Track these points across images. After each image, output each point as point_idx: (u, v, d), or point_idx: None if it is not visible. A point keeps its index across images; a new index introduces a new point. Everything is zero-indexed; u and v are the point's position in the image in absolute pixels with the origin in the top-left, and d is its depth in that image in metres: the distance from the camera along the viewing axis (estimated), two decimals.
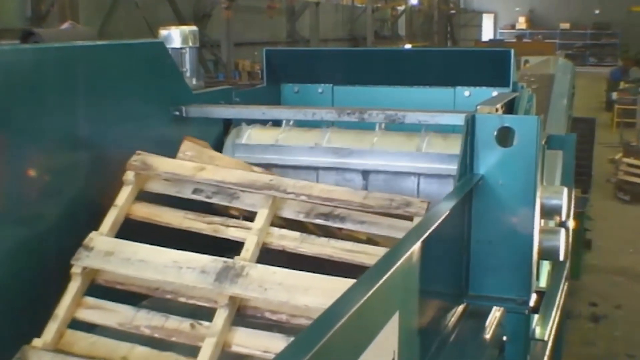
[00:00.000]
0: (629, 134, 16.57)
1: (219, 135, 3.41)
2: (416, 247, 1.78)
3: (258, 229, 2.47)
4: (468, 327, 2.48)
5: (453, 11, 46.51)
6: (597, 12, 46.91)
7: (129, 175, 2.61)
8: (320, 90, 4.00)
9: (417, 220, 2.46)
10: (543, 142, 3.31)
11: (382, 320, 1.54)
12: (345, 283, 2.01)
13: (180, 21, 19.76)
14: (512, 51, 3.62)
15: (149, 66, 2.99)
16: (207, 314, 2.27)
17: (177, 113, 3.10)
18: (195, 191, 2.65)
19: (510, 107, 3.16)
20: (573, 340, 7.18)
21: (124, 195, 2.56)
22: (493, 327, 2.65)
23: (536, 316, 3.66)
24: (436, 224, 1.98)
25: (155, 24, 13.98)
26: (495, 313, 2.74)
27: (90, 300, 2.36)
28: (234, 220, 2.59)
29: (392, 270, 1.57)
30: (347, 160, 3.14)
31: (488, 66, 3.74)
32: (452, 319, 2.39)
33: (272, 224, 2.55)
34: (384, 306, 1.58)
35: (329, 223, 2.58)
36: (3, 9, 15.66)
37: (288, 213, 2.61)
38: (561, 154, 4.50)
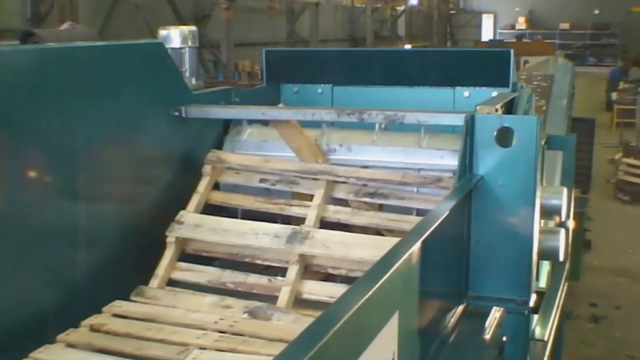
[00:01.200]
0: (628, 134, 16.58)
1: (218, 136, 3.40)
2: (416, 247, 1.78)
3: (317, 205, 2.92)
4: (468, 327, 2.48)
5: (453, 11, 46.50)
6: (596, 12, 46.89)
7: (207, 169, 3.13)
8: (319, 91, 3.99)
9: (448, 192, 2.67)
10: (543, 143, 3.31)
11: (381, 320, 1.54)
12: (393, 241, 2.21)
13: (180, 22, 19.75)
14: (512, 51, 3.61)
15: (148, 66, 2.99)
16: (278, 274, 2.79)
17: (177, 113, 3.10)
18: (261, 180, 3.13)
19: (509, 108, 3.16)
20: (573, 341, 7.18)
21: (204, 184, 3.09)
22: (493, 327, 2.65)
23: (536, 316, 3.66)
24: (436, 224, 1.98)
25: (155, 25, 13.97)
26: (495, 313, 2.74)
27: (183, 264, 2.88)
28: (296, 200, 3.06)
29: (391, 270, 1.57)
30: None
31: (488, 66, 3.74)
32: (452, 320, 2.39)
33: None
34: (384, 306, 1.58)
35: (375, 200, 2.96)
36: (3, 9, 15.66)
37: (340, 194, 3.03)
38: (561, 154, 4.49)
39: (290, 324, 2.50)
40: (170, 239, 2.89)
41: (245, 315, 2.55)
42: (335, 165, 3.06)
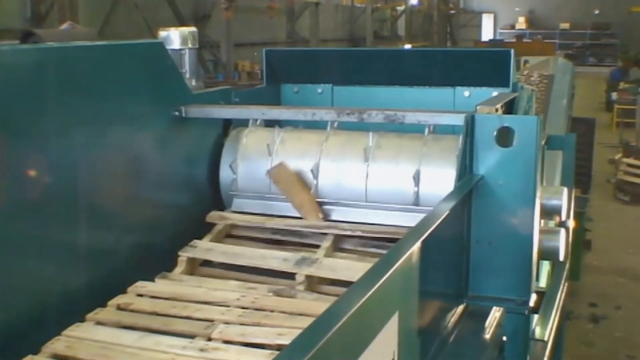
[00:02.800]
0: (628, 134, 16.56)
1: (218, 136, 3.40)
2: (416, 247, 1.78)
3: (325, 247, 3.00)
4: (468, 327, 2.48)
5: (453, 11, 46.43)
6: (596, 12, 46.83)
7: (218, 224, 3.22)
8: (319, 91, 3.99)
9: None
10: (543, 142, 3.31)
11: (381, 320, 1.54)
12: None
13: (180, 22, 19.74)
14: (512, 51, 3.61)
15: (148, 66, 2.99)
16: None
17: (177, 113, 3.10)
18: (274, 232, 3.21)
19: (509, 108, 3.16)
20: (573, 341, 7.18)
21: (217, 230, 3.18)
22: (493, 327, 2.65)
23: (536, 316, 3.66)
24: (436, 224, 1.98)
25: (155, 25, 13.96)
26: (495, 313, 2.74)
27: None
28: (304, 248, 3.10)
29: (391, 270, 1.57)
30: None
31: (488, 66, 3.74)
32: (452, 319, 2.39)
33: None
34: (384, 307, 1.58)
35: (381, 251, 2.96)
36: (2, 9, 15.65)
37: (347, 245, 3.10)
38: (561, 154, 4.50)
39: (310, 300, 2.63)
40: (182, 258, 2.96)
41: (270, 294, 2.66)
42: (340, 223, 3.13)
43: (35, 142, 2.39)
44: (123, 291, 2.67)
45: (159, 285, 2.77)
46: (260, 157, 3.29)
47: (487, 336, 2.60)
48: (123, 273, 2.73)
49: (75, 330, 2.40)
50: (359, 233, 3.07)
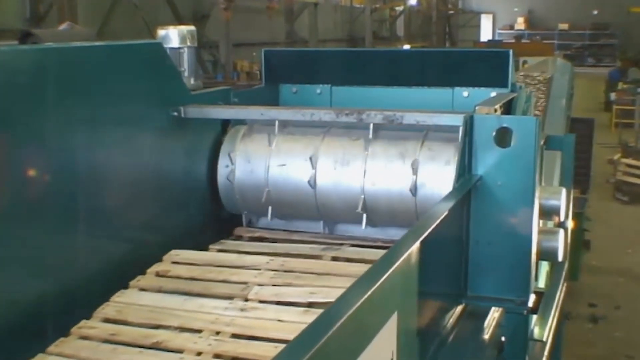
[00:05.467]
0: (627, 135, 16.56)
1: (217, 136, 3.40)
2: (415, 247, 1.78)
3: (349, 243, 3.12)
4: (467, 327, 2.49)
5: (452, 12, 46.40)
6: (595, 12, 46.84)
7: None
8: (318, 91, 3.99)
9: None
10: (542, 143, 3.31)
11: (380, 320, 1.54)
12: None
13: (179, 22, 19.72)
14: (511, 52, 3.61)
15: (147, 67, 2.98)
16: None
17: (176, 113, 3.10)
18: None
19: (508, 108, 3.16)
20: (572, 341, 7.18)
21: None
22: (492, 327, 2.66)
23: (535, 317, 3.66)
24: (434, 224, 1.98)
25: (154, 25, 13.94)
26: (494, 313, 2.74)
27: None
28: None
29: (390, 270, 1.57)
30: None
31: (487, 67, 3.74)
32: (451, 320, 2.39)
33: None
34: (383, 306, 1.58)
35: None
36: (1, 9, 15.64)
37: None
38: (560, 155, 4.50)
39: (335, 262, 2.77)
40: (212, 250, 3.09)
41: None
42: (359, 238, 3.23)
43: (34, 142, 2.39)
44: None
45: (191, 253, 2.94)
46: (258, 156, 3.29)
47: (486, 336, 2.61)
48: (120, 271, 2.73)
49: (122, 297, 2.57)
50: (379, 243, 3.16)
